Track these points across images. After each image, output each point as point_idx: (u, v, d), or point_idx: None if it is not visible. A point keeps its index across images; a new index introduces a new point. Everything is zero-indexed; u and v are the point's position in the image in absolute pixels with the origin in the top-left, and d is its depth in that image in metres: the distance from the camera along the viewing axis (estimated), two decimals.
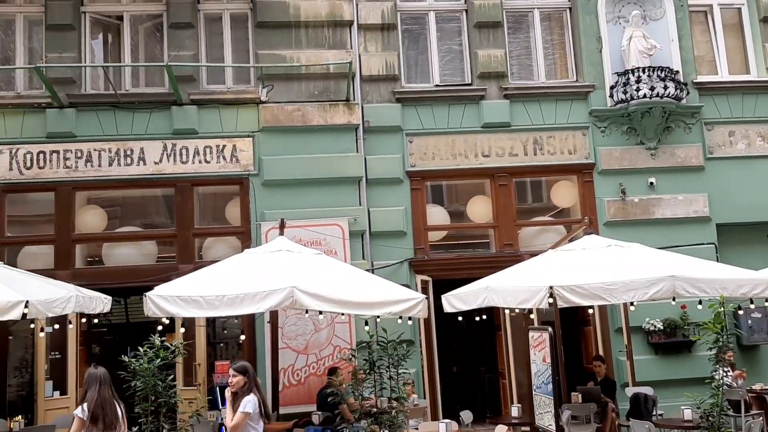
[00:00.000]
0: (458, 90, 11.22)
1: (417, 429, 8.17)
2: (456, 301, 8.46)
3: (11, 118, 10.48)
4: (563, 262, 7.98)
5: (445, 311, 8.79)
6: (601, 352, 10.42)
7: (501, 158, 11.06)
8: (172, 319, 8.53)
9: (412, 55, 11.56)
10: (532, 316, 10.00)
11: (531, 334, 7.85)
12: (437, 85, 11.29)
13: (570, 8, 11.76)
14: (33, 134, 10.46)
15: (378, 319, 8.42)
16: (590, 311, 10.63)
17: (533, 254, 9.64)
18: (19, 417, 9.03)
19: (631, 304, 8.62)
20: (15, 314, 7.03)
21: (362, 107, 10.90)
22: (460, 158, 11.06)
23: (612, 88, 11.20)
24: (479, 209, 11.40)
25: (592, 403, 8.06)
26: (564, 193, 11.59)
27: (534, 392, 7.70)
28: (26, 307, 7.05)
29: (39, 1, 10.92)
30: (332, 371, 9.29)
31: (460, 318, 11.56)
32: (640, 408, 8.67)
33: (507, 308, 9.19)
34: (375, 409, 7.84)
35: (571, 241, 9.34)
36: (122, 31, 11.08)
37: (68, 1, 10.76)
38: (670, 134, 11.23)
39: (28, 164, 10.43)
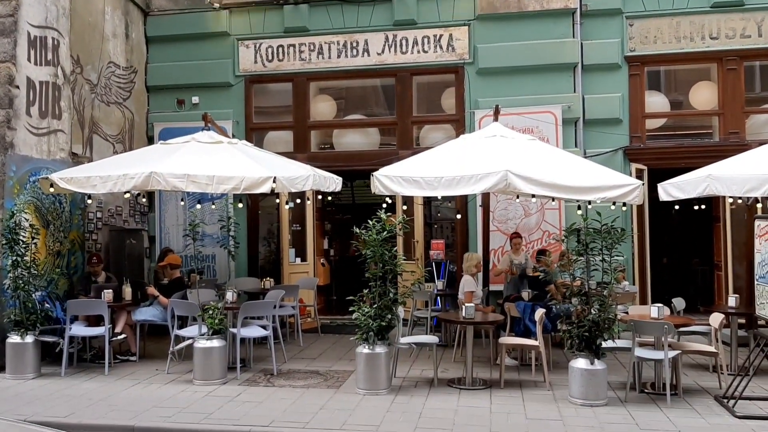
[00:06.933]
0: None
1: (627, 313, 8.16)
2: (674, 189, 8.08)
3: (255, 15, 11.47)
4: None
5: (660, 200, 8.50)
6: None
7: (731, 40, 10.34)
8: (393, 201, 9.36)
9: None
10: (758, 205, 9.52)
11: (757, 222, 7.41)
12: None
13: None
14: (273, 30, 11.38)
15: (590, 205, 8.37)
16: None
17: (762, 143, 8.87)
18: (269, 278, 10.54)
19: None
20: (266, 188, 7.73)
21: None
22: (684, 41, 10.49)
23: None
24: (702, 96, 10.85)
25: None
26: None
27: (756, 282, 7.39)
28: (274, 182, 7.68)
29: None
30: (541, 252, 9.53)
31: (676, 207, 11.51)
32: None
33: (730, 197, 8.82)
34: (585, 290, 7.71)
35: None
36: None
37: None
38: None
39: (270, 57, 11.42)
